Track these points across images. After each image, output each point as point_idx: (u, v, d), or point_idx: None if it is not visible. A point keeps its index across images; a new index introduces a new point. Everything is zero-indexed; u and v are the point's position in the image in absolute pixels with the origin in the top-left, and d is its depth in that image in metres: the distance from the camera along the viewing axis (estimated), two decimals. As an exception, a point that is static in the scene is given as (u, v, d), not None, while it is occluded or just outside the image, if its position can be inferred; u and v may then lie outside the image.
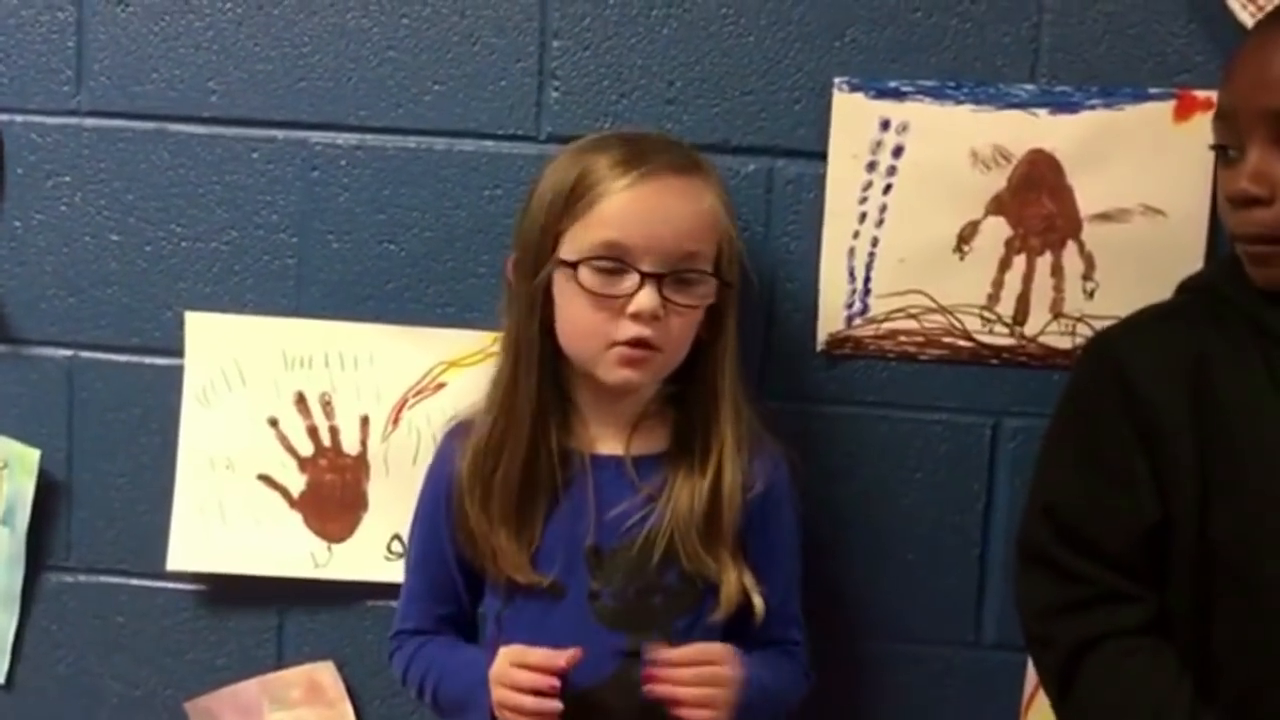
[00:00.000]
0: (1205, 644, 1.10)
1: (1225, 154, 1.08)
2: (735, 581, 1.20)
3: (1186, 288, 1.18)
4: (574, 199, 1.15)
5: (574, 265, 1.14)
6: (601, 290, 1.14)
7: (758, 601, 1.21)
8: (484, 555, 1.21)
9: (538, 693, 1.12)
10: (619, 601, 1.19)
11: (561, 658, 1.12)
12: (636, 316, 1.15)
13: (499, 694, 1.14)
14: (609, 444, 1.22)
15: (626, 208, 1.14)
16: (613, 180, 1.14)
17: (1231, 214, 1.08)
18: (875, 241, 1.34)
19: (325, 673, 1.44)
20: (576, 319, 1.16)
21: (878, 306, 1.35)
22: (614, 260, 1.14)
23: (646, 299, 1.14)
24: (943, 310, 1.34)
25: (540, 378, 1.19)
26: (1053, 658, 1.13)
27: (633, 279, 1.14)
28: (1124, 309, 1.22)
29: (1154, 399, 1.11)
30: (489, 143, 1.37)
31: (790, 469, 1.26)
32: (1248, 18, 1.24)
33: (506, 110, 1.36)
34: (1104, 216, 1.30)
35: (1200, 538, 1.09)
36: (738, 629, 1.22)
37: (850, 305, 1.35)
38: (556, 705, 1.12)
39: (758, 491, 1.22)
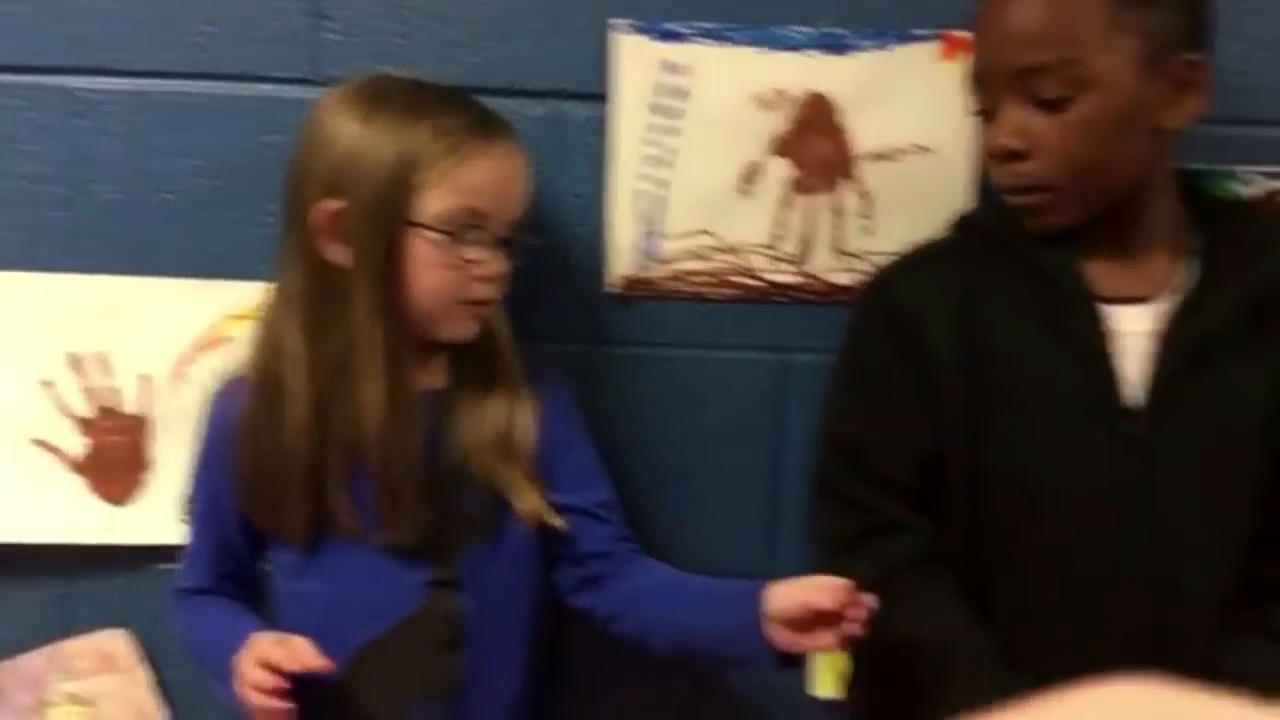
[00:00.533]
0: (979, 569, 1.16)
1: (984, 114, 1.13)
2: (533, 500, 1.22)
3: (960, 225, 1.24)
4: (431, 161, 1.13)
5: (432, 228, 1.14)
6: (458, 254, 1.15)
7: (557, 522, 1.23)
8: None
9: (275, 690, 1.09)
10: (417, 535, 1.19)
11: (303, 660, 1.08)
12: (489, 279, 1.17)
13: (237, 685, 1.11)
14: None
15: (488, 174, 1.16)
16: (473, 146, 1.14)
17: (995, 168, 1.13)
18: (663, 183, 1.35)
19: (116, 640, 1.40)
20: (428, 278, 1.15)
21: (668, 247, 1.36)
22: (474, 226, 1.15)
23: (500, 264, 1.18)
24: (730, 250, 1.37)
25: (386, 327, 1.15)
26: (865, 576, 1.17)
27: (488, 246, 1.16)
28: (901, 245, 1.28)
29: (926, 333, 1.16)
30: (265, 86, 1.33)
31: (569, 391, 1.30)
32: None
33: (281, 52, 1.32)
34: (879, 155, 1.35)
35: (971, 467, 1.15)
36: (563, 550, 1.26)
37: (640, 247, 1.36)
38: (283, 707, 1.08)
39: (545, 410, 1.24)
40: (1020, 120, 1.10)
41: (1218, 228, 1.15)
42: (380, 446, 1.15)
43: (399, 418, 1.16)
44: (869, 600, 1.07)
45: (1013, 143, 1.10)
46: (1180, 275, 1.14)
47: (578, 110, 1.34)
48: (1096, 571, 1.12)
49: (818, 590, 1.08)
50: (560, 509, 1.24)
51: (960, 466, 1.16)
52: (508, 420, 1.22)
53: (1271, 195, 1.33)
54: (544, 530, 1.24)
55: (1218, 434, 1.11)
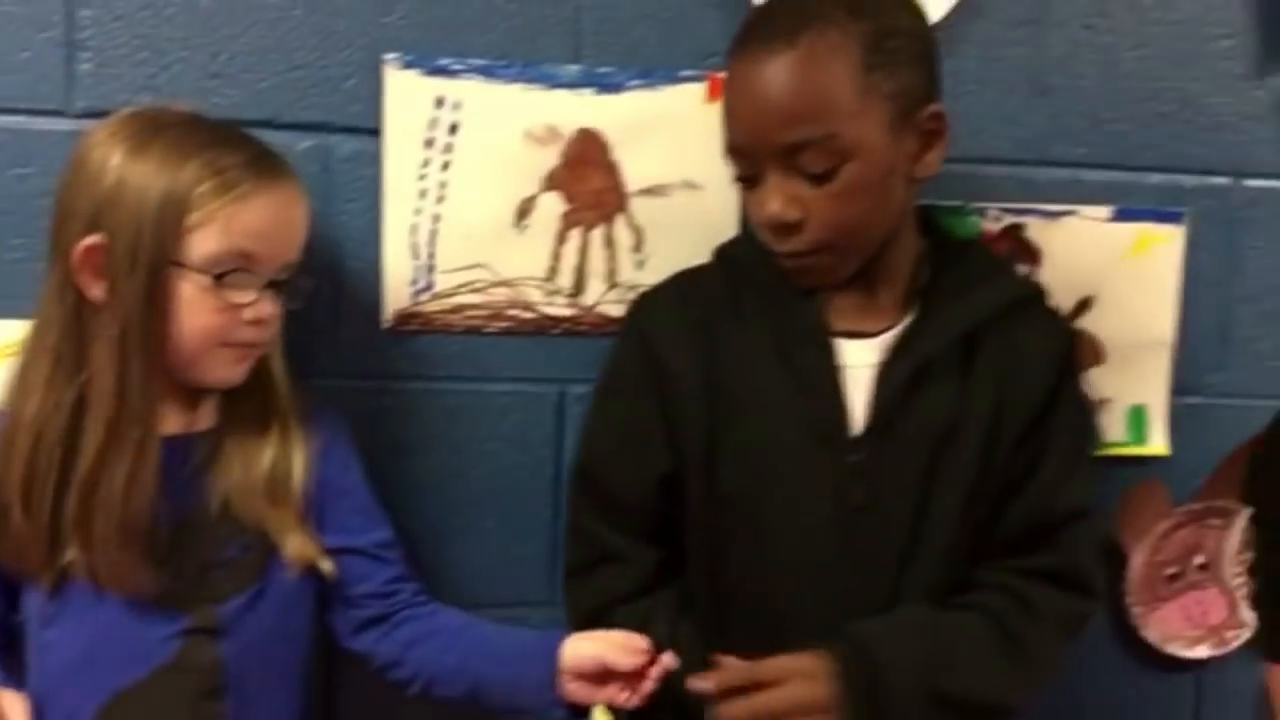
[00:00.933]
0: (719, 581, 1.22)
1: (746, 180, 1.16)
2: (303, 543, 1.19)
3: (716, 255, 1.28)
4: (201, 202, 1.09)
5: (199, 270, 1.10)
6: (229, 298, 1.12)
7: (326, 566, 1.21)
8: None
9: None
10: (177, 580, 1.15)
11: None
12: (259, 323, 1.15)
13: None
14: (169, 424, 1.17)
15: (263, 217, 1.13)
16: (249, 187, 1.11)
17: (770, 237, 1.15)
18: (437, 218, 1.35)
19: None
20: (192, 321, 1.12)
21: (443, 282, 1.36)
22: (245, 270, 1.12)
23: (270, 307, 1.15)
24: (506, 283, 1.38)
25: (136, 368, 1.11)
26: (573, 619, 1.26)
27: (256, 289, 1.14)
28: (671, 275, 1.32)
29: (669, 359, 1.22)
30: (17, 118, 1.27)
31: (347, 432, 1.28)
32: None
33: (33, 84, 1.26)
34: (649, 191, 1.38)
35: (710, 488, 1.20)
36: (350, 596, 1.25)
37: (415, 281, 1.36)
38: None
39: (320, 450, 1.22)
40: (790, 191, 1.12)
41: (944, 262, 1.22)
42: (108, 492, 1.11)
43: (134, 463, 1.11)
44: (667, 660, 1.12)
45: (789, 214, 1.12)
46: (909, 309, 1.20)
47: (346, 144, 1.33)
48: (823, 594, 1.17)
49: (616, 650, 1.11)
50: (337, 551, 1.23)
51: (699, 493, 1.21)
52: (278, 462, 1.20)
53: (1007, 229, 1.43)
54: (317, 572, 1.22)
55: (932, 459, 1.17)
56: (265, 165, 1.14)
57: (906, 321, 1.19)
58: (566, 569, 1.29)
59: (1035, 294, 1.26)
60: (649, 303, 1.28)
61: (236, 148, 1.14)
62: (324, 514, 1.22)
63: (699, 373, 1.20)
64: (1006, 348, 1.20)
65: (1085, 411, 1.31)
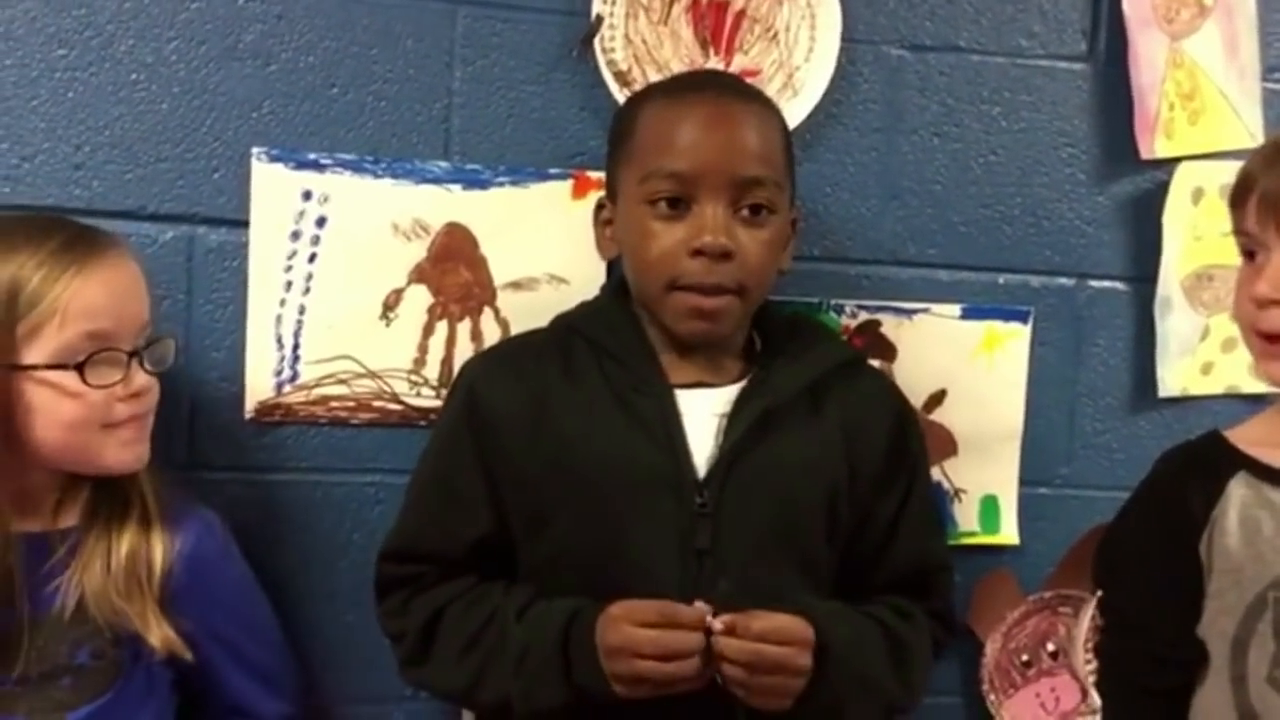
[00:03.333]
0: None
1: (676, 205, 1.19)
2: (164, 634, 1.17)
3: (551, 323, 1.31)
4: (35, 298, 1.08)
5: (53, 366, 1.09)
6: (98, 381, 1.10)
7: (188, 656, 1.19)
8: None
9: None
10: (22, 687, 1.12)
11: None
12: (136, 396, 1.14)
13: None
14: (32, 521, 1.15)
15: (101, 291, 1.11)
16: (77, 267, 1.09)
17: (701, 265, 1.18)
18: (303, 309, 1.36)
19: None
20: (60, 417, 1.10)
21: (308, 373, 1.37)
22: (104, 349, 1.11)
23: (143, 377, 1.15)
24: (372, 375, 1.39)
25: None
26: (408, 640, 1.23)
27: (121, 364, 1.12)
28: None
29: (497, 418, 1.23)
30: None
31: (221, 529, 1.26)
32: (623, 101, 1.39)
33: (-111, 170, 1.25)
34: (515, 285, 1.41)
35: (543, 543, 1.22)
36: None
37: (279, 372, 1.36)
38: None
39: (183, 551, 1.20)
40: (728, 223, 1.18)
41: (776, 331, 1.30)
42: None
43: None
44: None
45: (728, 242, 1.17)
46: (745, 370, 1.26)
47: (212, 235, 1.33)
48: None
49: None
50: (203, 645, 1.21)
51: (529, 551, 1.23)
52: (136, 551, 1.17)
53: (864, 325, 1.48)
54: (180, 665, 1.20)
55: (779, 506, 1.22)
56: (86, 241, 1.13)
57: (750, 375, 1.26)
58: (386, 611, 1.27)
59: (863, 357, 1.37)
60: (475, 365, 1.31)
61: (51, 233, 1.12)
62: (193, 608, 1.20)
63: (530, 429, 1.22)
64: (848, 403, 1.28)
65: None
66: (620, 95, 1.40)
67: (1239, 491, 1.13)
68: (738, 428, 1.20)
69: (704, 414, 1.22)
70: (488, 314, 1.41)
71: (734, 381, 1.25)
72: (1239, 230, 1.13)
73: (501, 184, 1.40)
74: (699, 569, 1.18)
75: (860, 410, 1.28)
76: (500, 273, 1.40)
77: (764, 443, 1.21)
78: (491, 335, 1.41)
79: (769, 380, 1.24)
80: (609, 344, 1.24)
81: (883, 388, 1.35)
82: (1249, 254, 1.12)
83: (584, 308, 1.31)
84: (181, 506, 1.23)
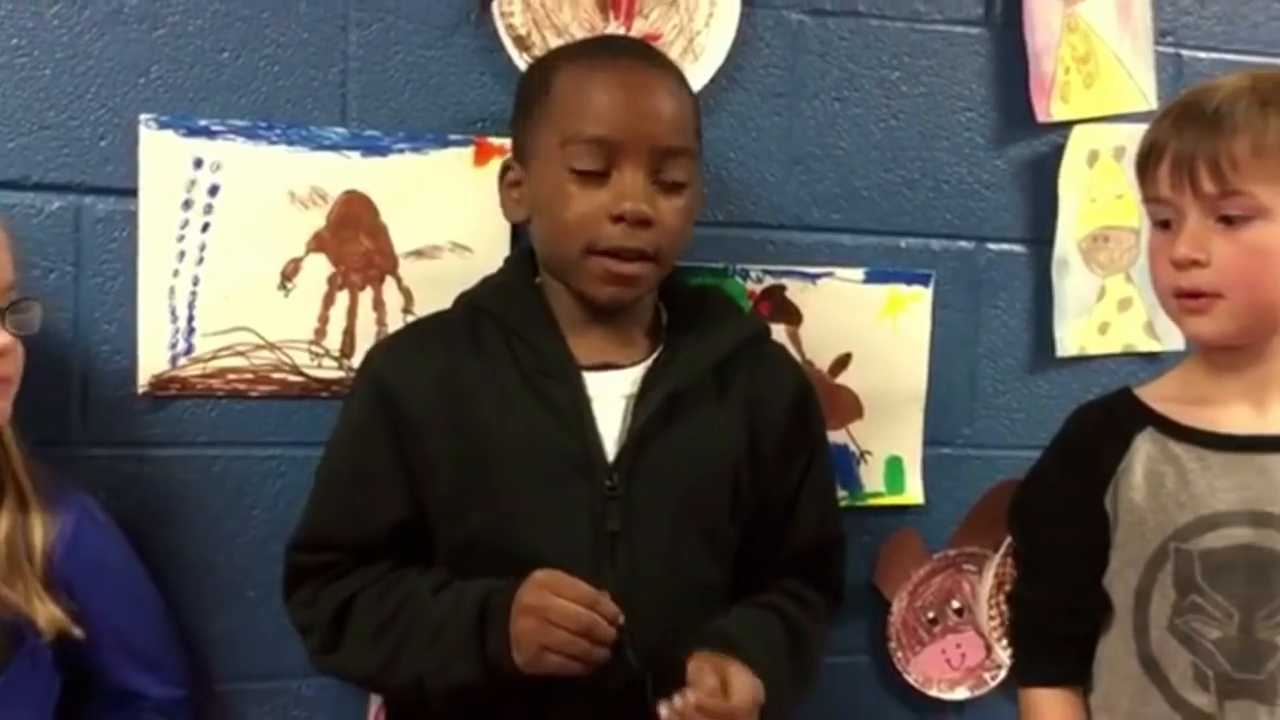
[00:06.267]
0: None
1: (597, 171, 1.18)
2: (51, 612, 1.15)
3: (455, 301, 1.29)
4: None
5: None
6: None
7: (78, 633, 1.17)
8: None
9: None
10: None
11: None
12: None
13: None
14: None
15: None
16: None
17: (621, 231, 1.18)
18: (197, 280, 1.33)
19: None
20: None
21: (203, 345, 1.34)
22: None
23: (4, 336, 1.12)
24: (271, 346, 1.36)
25: None
26: (318, 631, 1.21)
27: None
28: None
29: (410, 405, 1.21)
30: None
31: (100, 510, 1.24)
32: (524, 66, 1.38)
33: None
34: (418, 253, 1.39)
35: (460, 530, 1.20)
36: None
37: (174, 345, 1.33)
38: None
39: (64, 533, 1.17)
40: (649, 191, 1.19)
41: (682, 304, 1.30)
42: None
43: None
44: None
45: (649, 210, 1.18)
46: (652, 347, 1.26)
47: (100, 205, 1.30)
48: None
49: None
50: (87, 628, 1.18)
51: (448, 537, 1.22)
52: (17, 537, 1.14)
53: (768, 290, 1.49)
54: (66, 649, 1.17)
55: (687, 486, 1.23)
56: None
57: (656, 354, 1.25)
58: (300, 602, 1.24)
59: (767, 331, 1.37)
60: (384, 351, 1.28)
61: None
62: (79, 595, 1.18)
63: (442, 415, 1.20)
64: (754, 380, 1.28)
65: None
66: (520, 60, 1.38)
67: (1145, 446, 1.17)
68: (644, 411, 1.21)
69: (612, 396, 1.23)
70: (390, 283, 1.39)
71: (641, 359, 1.25)
72: (1151, 198, 1.15)
73: (401, 151, 1.38)
74: (611, 551, 1.19)
75: (763, 387, 1.29)
76: (402, 241, 1.38)
77: (671, 425, 1.22)
78: (394, 304, 1.39)
79: (675, 361, 1.24)
80: (517, 324, 1.23)
81: (785, 364, 1.36)
82: (1163, 223, 1.15)
83: (489, 285, 1.29)
84: (58, 489, 1.20)
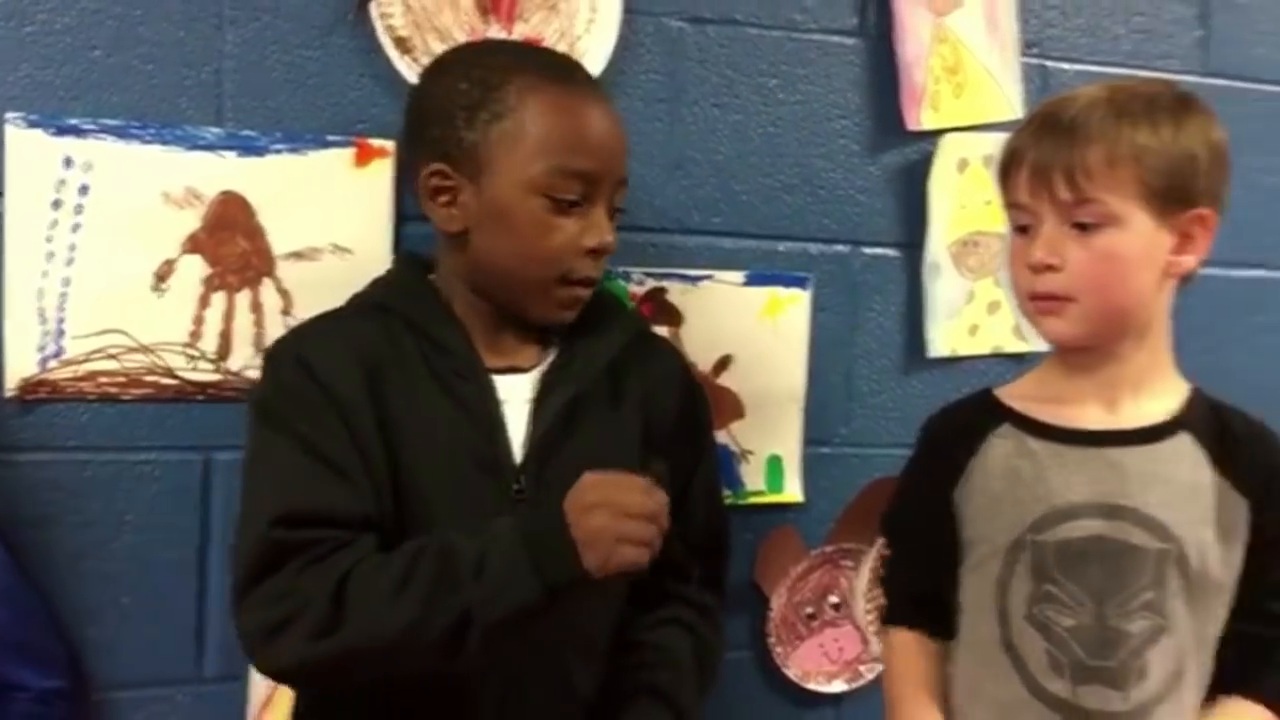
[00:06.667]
0: None
1: (571, 205, 1.20)
2: None
3: (356, 304, 1.26)
4: None
5: None
6: None
7: None
8: None
9: None
10: None
11: None
12: None
13: None
14: None
15: None
16: None
17: (586, 261, 1.22)
18: (67, 281, 1.30)
19: None
20: None
21: (74, 348, 1.31)
22: None
23: None
24: (144, 349, 1.34)
25: None
26: (312, 612, 1.10)
27: None
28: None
29: (339, 386, 1.18)
30: None
31: None
32: (412, 73, 1.38)
33: None
34: (297, 255, 1.38)
35: (394, 527, 1.17)
36: None
37: (43, 347, 1.30)
38: None
39: None
40: (610, 223, 1.24)
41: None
42: None
43: None
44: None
45: (614, 242, 1.23)
46: (549, 350, 1.27)
47: (-37, 205, 1.27)
48: None
49: None
50: None
51: (387, 527, 1.19)
52: None
53: (651, 292, 1.51)
54: None
55: None
56: None
57: (551, 357, 1.26)
58: (285, 592, 1.11)
59: (647, 326, 1.39)
60: (301, 339, 1.23)
61: None
62: None
63: (370, 408, 1.18)
64: (645, 376, 1.31)
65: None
66: (401, 62, 1.38)
67: (1001, 443, 1.22)
68: (547, 414, 1.22)
69: (517, 400, 1.23)
70: (268, 285, 1.37)
71: (539, 362, 1.26)
72: (1011, 204, 1.20)
73: (279, 151, 1.36)
74: None
75: (655, 385, 1.31)
76: (280, 243, 1.37)
77: (572, 427, 1.23)
78: (272, 306, 1.38)
79: (571, 364, 1.25)
80: (427, 325, 1.22)
81: (674, 362, 1.39)
82: (1021, 228, 1.19)
83: (387, 286, 1.27)
84: None
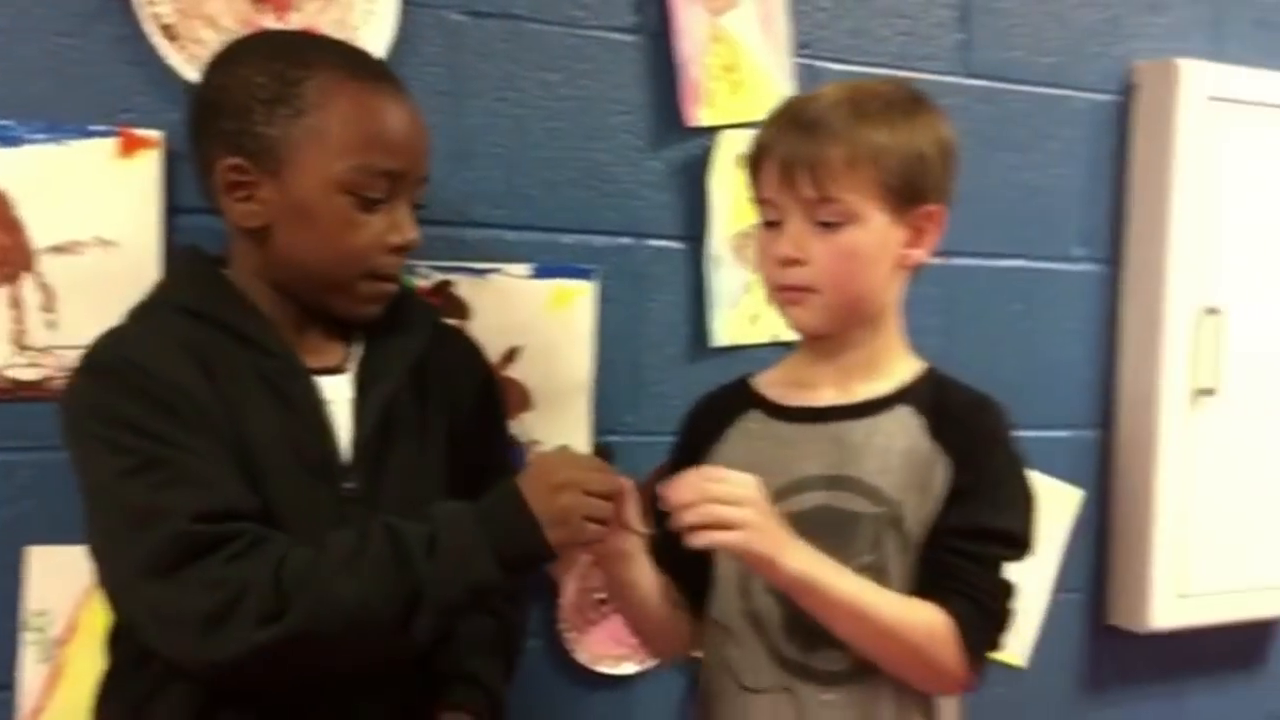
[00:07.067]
0: None
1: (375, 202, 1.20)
2: None
3: (150, 308, 1.23)
4: None
5: None
6: None
7: None
8: None
9: None
10: None
11: None
12: None
13: None
14: None
15: None
16: None
17: (387, 255, 1.22)
18: None
19: None
20: None
21: None
22: None
23: None
24: (-108, 349, 1.27)
25: None
26: (253, 595, 1.07)
27: None
28: (88, 337, 1.24)
29: (189, 389, 1.14)
30: None
31: None
32: (180, 62, 1.35)
33: None
34: (58, 249, 1.33)
35: None
36: None
37: None
38: None
39: None
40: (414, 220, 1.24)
41: None
42: None
43: None
44: None
45: (419, 239, 1.24)
46: (354, 347, 1.27)
47: None
48: None
49: None
50: None
51: None
52: None
53: (438, 285, 1.51)
54: None
55: (417, 484, 1.25)
56: None
57: (359, 355, 1.26)
58: (217, 580, 1.08)
59: (440, 316, 1.41)
60: (122, 343, 1.17)
61: None
62: None
63: (211, 406, 1.15)
64: (445, 369, 1.33)
65: None
66: (169, 51, 1.35)
67: (747, 425, 1.28)
68: (370, 413, 1.23)
69: (341, 400, 1.23)
70: (28, 280, 1.32)
71: (347, 360, 1.26)
72: (759, 198, 1.24)
73: (38, 141, 1.32)
74: None
75: (456, 377, 1.34)
76: (41, 236, 1.32)
77: (392, 423, 1.24)
78: (33, 303, 1.33)
79: (384, 360, 1.26)
80: (246, 330, 1.20)
81: (472, 353, 1.41)
82: (770, 222, 1.24)
83: (187, 289, 1.22)
84: None
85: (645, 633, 1.34)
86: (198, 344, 1.18)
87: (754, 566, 1.17)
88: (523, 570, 1.14)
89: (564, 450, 1.19)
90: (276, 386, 1.20)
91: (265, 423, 1.18)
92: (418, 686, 1.25)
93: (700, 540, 1.12)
